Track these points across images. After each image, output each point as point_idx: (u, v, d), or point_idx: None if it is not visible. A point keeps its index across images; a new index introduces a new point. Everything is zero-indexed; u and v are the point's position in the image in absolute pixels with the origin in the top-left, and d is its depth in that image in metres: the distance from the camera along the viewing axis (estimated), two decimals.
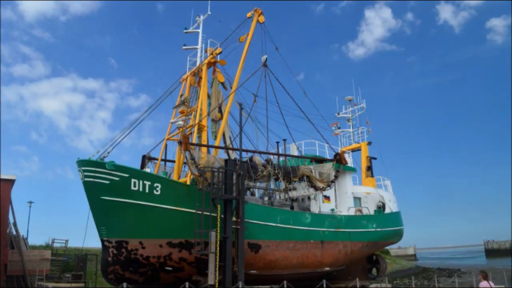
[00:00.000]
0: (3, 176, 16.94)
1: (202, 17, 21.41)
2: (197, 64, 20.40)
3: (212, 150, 17.80)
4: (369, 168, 27.96)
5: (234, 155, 19.30)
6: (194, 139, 17.92)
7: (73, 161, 15.88)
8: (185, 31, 21.30)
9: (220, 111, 20.23)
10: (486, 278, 10.72)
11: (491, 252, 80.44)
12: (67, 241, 25.18)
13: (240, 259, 15.17)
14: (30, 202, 27.58)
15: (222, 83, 20.74)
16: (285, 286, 14.73)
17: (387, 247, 38.95)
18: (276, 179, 20.18)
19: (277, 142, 23.14)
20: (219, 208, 14.72)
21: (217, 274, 14.18)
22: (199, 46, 20.74)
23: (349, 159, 24.38)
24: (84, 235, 16.44)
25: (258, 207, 18.02)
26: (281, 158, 22.47)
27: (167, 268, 15.69)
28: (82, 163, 15.27)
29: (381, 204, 24.75)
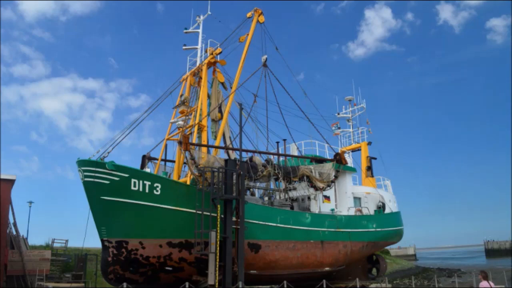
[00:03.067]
0: (3, 176, 16.94)
1: (202, 17, 21.40)
2: (197, 64, 20.39)
3: (212, 150, 17.79)
4: (369, 168, 27.94)
5: (234, 155, 19.29)
6: (194, 139, 17.91)
7: (73, 161, 15.89)
8: (185, 31, 21.28)
9: (220, 111, 20.22)
10: (486, 278, 10.73)
11: (491, 252, 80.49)
12: (67, 241, 25.19)
13: (240, 259, 15.17)
14: (30, 202, 27.59)
15: (222, 83, 20.73)
16: (285, 286, 14.73)
17: (387, 247, 38.96)
18: (276, 179, 20.17)
19: (277, 142, 23.15)
20: (219, 208, 14.70)
21: (217, 274, 14.17)
22: (199, 46, 20.73)
23: (349, 159, 24.37)
24: (84, 235, 16.44)
25: (258, 207, 18.01)
26: (281, 158, 22.47)
27: (167, 268, 15.69)
28: (82, 163, 15.27)
29: (381, 204, 24.74)
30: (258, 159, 19.03)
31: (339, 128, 31.03)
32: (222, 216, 15.01)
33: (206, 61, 19.93)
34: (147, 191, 15.12)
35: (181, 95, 19.85)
